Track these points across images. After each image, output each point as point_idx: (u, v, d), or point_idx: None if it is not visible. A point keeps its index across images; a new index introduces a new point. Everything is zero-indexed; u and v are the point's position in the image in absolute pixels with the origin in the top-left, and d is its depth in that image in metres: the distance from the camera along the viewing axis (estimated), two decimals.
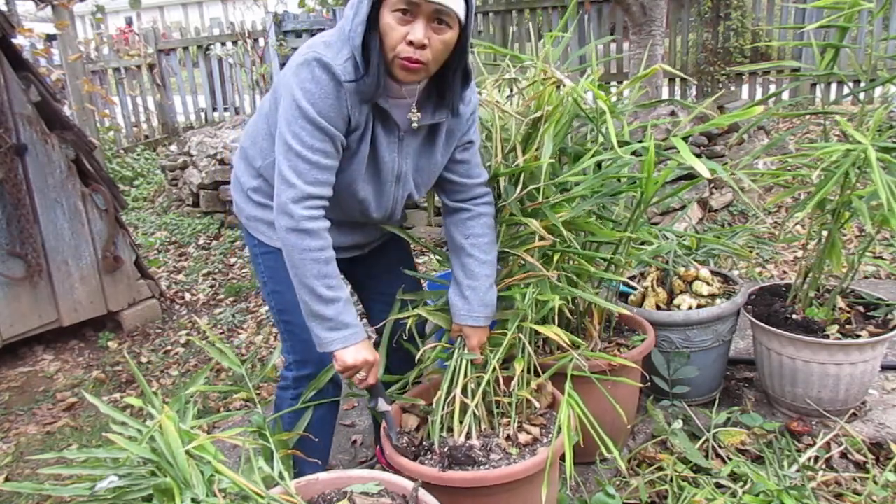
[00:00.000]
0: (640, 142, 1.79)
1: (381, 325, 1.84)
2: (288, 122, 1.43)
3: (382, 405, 1.67)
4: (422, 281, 1.99)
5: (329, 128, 1.42)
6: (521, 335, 1.71)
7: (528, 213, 1.77)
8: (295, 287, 1.52)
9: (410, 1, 1.33)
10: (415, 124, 1.52)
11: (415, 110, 1.51)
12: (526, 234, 1.78)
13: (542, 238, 1.71)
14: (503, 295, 1.76)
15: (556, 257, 1.79)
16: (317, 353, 1.71)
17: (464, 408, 1.66)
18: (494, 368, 1.69)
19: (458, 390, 1.66)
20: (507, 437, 1.65)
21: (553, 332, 1.69)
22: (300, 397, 1.75)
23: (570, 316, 2.01)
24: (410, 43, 1.35)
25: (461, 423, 1.65)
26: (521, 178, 1.75)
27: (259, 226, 1.71)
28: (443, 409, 1.66)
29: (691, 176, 1.58)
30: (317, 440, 1.74)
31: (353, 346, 1.54)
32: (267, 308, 3.38)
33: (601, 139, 1.97)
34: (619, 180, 1.85)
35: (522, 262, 1.77)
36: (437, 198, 1.83)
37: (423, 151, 1.61)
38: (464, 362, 1.69)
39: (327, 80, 1.39)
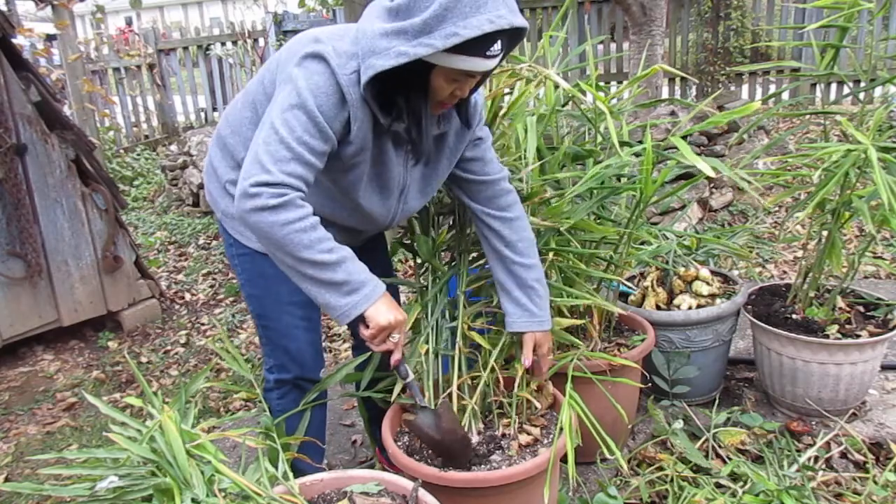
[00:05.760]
0: (640, 142, 1.79)
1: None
2: (282, 109, 1.31)
3: (407, 372, 1.55)
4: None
5: (325, 126, 1.32)
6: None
7: None
8: (290, 268, 1.35)
9: (469, 73, 1.31)
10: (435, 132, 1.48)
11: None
12: None
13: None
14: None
15: (550, 256, 1.79)
16: (297, 357, 1.68)
17: (462, 408, 1.66)
18: (494, 368, 1.70)
19: (455, 387, 1.65)
20: (508, 437, 1.65)
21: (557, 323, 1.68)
22: (285, 398, 1.72)
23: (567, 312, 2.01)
24: (454, 96, 1.36)
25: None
26: None
27: (236, 224, 1.62)
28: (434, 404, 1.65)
29: (691, 175, 1.58)
30: (323, 446, 1.73)
31: (380, 302, 1.40)
32: None
33: (600, 139, 1.97)
34: (618, 179, 1.85)
35: None
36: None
37: (428, 161, 1.56)
38: (458, 361, 1.69)
39: (335, 84, 1.32)
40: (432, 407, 1.59)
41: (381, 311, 1.40)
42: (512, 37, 1.29)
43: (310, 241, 1.31)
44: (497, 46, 1.27)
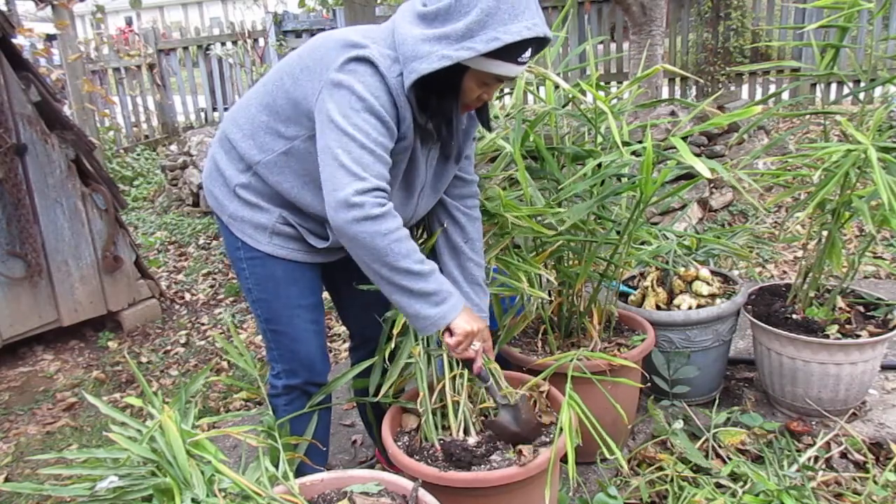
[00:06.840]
0: (640, 142, 1.79)
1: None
2: (346, 116, 1.33)
3: (487, 377, 1.59)
4: None
5: (391, 125, 1.37)
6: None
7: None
8: (383, 279, 1.38)
9: (500, 78, 1.38)
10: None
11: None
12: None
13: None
14: None
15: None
16: (306, 361, 1.68)
17: (456, 405, 1.66)
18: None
19: (447, 384, 1.65)
20: None
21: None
22: (292, 404, 1.71)
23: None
24: (480, 99, 1.44)
25: (455, 416, 1.64)
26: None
27: (245, 227, 1.59)
28: (430, 403, 1.65)
29: (691, 175, 1.58)
30: (324, 448, 1.72)
31: (464, 312, 1.47)
32: None
33: (600, 139, 1.97)
34: (618, 179, 1.85)
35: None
36: None
37: (444, 159, 1.61)
38: (446, 358, 1.69)
39: (385, 86, 1.37)
40: (510, 403, 1.61)
41: (466, 319, 1.47)
42: (538, 46, 1.37)
43: (407, 251, 1.36)
44: (527, 54, 1.35)
